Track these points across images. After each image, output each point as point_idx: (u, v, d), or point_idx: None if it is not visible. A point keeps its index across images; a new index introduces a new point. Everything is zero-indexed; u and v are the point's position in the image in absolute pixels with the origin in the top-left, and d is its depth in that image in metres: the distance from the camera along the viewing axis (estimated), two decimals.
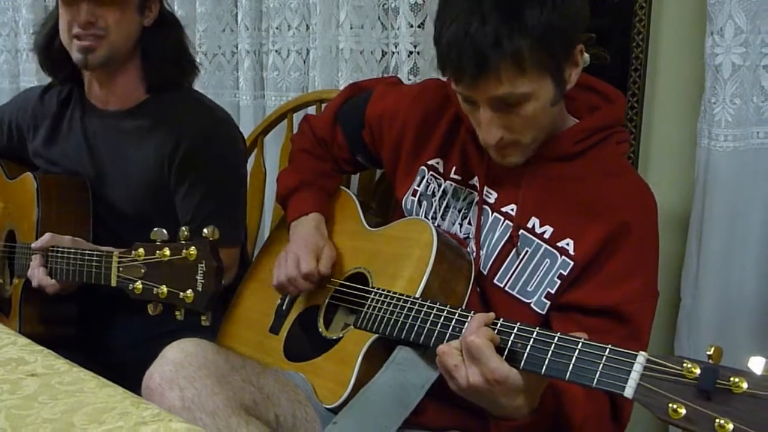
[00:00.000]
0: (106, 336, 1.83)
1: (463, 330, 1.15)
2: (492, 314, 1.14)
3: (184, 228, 1.28)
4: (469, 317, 1.18)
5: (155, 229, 1.31)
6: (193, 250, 1.25)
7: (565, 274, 1.29)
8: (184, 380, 1.22)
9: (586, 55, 1.79)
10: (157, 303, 1.30)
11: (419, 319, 1.25)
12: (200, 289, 1.24)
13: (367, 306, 1.35)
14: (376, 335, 1.32)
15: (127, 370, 1.32)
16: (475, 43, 1.16)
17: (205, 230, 1.25)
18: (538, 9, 1.16)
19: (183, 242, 1.27)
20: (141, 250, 1.32)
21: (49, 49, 1.80)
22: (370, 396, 1.25)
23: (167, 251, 1.28)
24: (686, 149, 1.75)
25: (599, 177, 1.34)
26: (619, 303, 1.26)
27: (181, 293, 1.26)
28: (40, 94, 1.92)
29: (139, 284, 1.31)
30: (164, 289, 1.28)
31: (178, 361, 1.24)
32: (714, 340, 1.31)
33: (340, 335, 1.41)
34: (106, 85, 1.78)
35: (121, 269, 1.35)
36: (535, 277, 1.32)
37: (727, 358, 0.91)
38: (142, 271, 1.31)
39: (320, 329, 1.47)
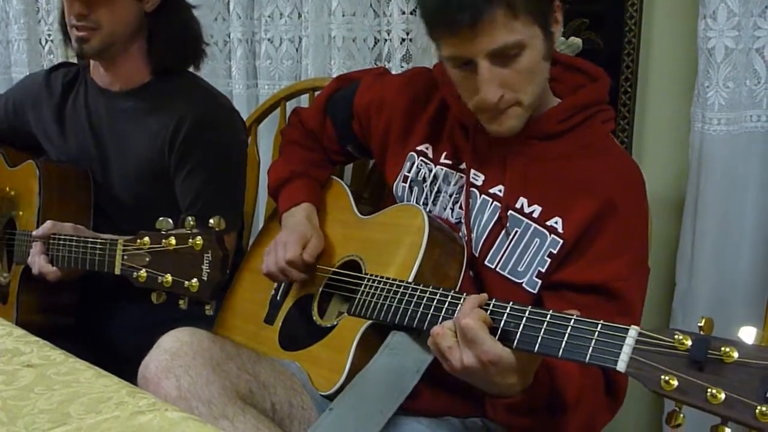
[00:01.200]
0: (102, 325, 1.84)
1: (456, 312, 1.16)
2: (484, 295, 1.14)
3: (189, 218, 1.28)
4: (462, 299, 1.18)
5: (160, 218, 1.31)
6: (199, 239, 1.25)
7: (555, 252, 1.30)
8: (179, 369, 1.22)
9: (579, 40, 1.80)
10: (161, 292, 1.31)
11: (412, 303, 1.25)
12: (206, 278, 1.25)
13: (360, 293, 1.35)
14: (370, 321, 1.32)
15: (124, 359, 1.33)
16: None
17: (211, 220, 1.26)
18: None
19: (189, 231, 1.27)
20: (146, 239, 1.33)
21: (64, 26, 1.81)
22: (365, 382, 1.25)
23: (173, 240, 1.29)
24: (680, 133, 1.75)
25: (585, 155, 1.34)
26: (608, 280, 1.27)
27: (187, 282, 1.26)
28: (45, 76, 1.93)
29: (143, 272, 1.32)
30: (169, 278, 1.29)
31: (173, 350, 1.25)
32: None
33: (334, 323, 1.41)
34: (109, 68, 1.79)
35: (125, 257, 1.36)
36: (526, 256, 1.32)
37: None
38: (147, 259, 1.31)
39: (314, 317, 1.47)
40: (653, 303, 1.66)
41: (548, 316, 1.05)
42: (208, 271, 1.25)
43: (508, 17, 1.19)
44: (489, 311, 1.11)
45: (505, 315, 1.10)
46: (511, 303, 1.11)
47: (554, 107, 1.36)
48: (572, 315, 1.03)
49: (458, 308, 1.17)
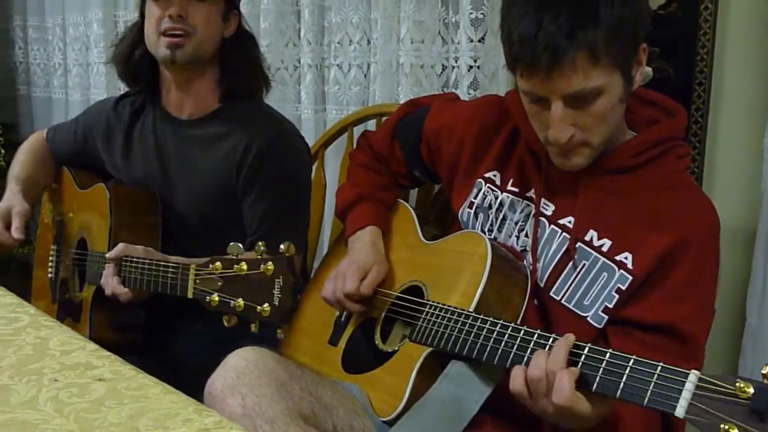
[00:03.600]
0: (169, 343, 1.87)
1: (541, 358, 1.14)
2: (572, 337, 1.12)
3: (260, 243, 1.30)
4: (521, 332, 1.18)
5: (231, 243, 1.34)
6: (270, 265, 1.27)
7: (623, 288, 1.28)
8: (245, 388, 1.24)
9: (649, 69, 1.78)
10: (233, 315, 1.33)
11: (472, 334, 1.25)
12: (277, 303, 1.27)
13: (421, 319, 1.36)
14: (431, 349, 1.32)
15: (188, 375, 1.35)
16: (549, 36, 1.16)
17: (282, 246, 1.28)
18: (609, 3, 1.17)
19: (260, 257, 1.29)
20: (218, 264, 1.35)
21: (129, 60, 1.87)
22: (424, 409, 1.25)
23: (245, 266, 1.31)
24: (752, 164, 1.72)
25: (658, 191, 1.32)
26: (677, 321, 1.25)
27: (258, 307, 1.28)
28: (114, 104, 1.99)
29: (215, 297, 1.34)
30: (241, 302, 1.31)
31: (239, 368, 1.27)
32: None
33: (396, 348, 1.42)
34: (183, 89, 1.83)
35: (198, 281, 1.38)
36: (593, 290, 1.31)
37: None
38: (219, 284, 1.33)
39: (377, 341, 1.48)
40: (722, 338, 1.63)
41: (607, 355, 1.05)
42: (279, 296, 1.27)
43: (589, 63, 1.18)
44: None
45: (583, 357, 1.09)
46: (590, 345, 1.10)
47: (628, 141, 1.35)
48: (631, 356, 1.03)
49: (519, 341, 1.16)
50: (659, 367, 0.99)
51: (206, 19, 1.75)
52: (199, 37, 1.74)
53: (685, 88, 1.77)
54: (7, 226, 1.87)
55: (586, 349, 1.09)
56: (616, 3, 1.18)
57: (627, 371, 1.01)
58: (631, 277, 1.28)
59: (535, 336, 1.17)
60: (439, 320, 1.32)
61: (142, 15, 1.82)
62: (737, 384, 0.89)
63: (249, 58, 1.85)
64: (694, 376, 0.94)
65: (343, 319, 1.58)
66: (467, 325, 1.26)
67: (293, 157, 1.81)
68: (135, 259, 1.63)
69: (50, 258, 2.09)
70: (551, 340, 1.12)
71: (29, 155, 2.10)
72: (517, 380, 1.14)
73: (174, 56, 1.74)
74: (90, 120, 2.03)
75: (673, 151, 1.36)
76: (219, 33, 1.80)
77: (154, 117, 1.90)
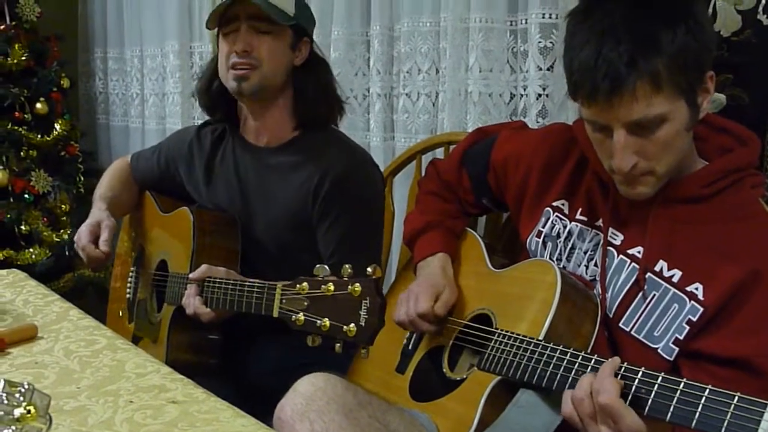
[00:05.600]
0: (241, 366, 1.90)
1: (587, 379, 1.14)
2: (617, 359, 1.13)
3: (347, 265, 1.32)
4: (591, 361, 1.16)
5: (318, 265, 1.36)
6: (357, 286, 1.29)
7: (695, 320, 1.26)
8: (314, 414, 1.26)
9: (723, 96, 1.75)
10: (317, 335, 1.35)
11: (542, 362, 1.24)
12: (363, 324, 1.28)
13: (490, 347, 1.36)
14: (499, 377, 1.32)
15: (258, 399, 1.37)
16: (610, 64, 1.16)
17: (369, 269, 1.30)
18: (672, 31, 1.17)
19: (347, 279, 1.31)
20: (305, 284, 1.37)
21: (208, 91, 1.94)
22: None
23: (331, 286, 1.33)
24: None
25: (730, 221, 1.30)
26: (752, 355, 1.22)
27: (345, 327, 1.30)
28: (197, 131, 2.05)
29: (301, 316, 1.36)
30: (327, 322, 1.32)
31: (308, 394, 1.29)
32: None
33: (464, 376, 1.42)
34: (259, 118, 1.88)
35: (284, 301, 1.41)
36: (663, 321, 1.29)
37: None
38: (305, 303, 1.35)
39: (445, 369, 1.48)
40: None
41: (681, 385, 1.03)
42: (366, 317, 1.28)
43: (651, 90, 1.17)
44: (620, 375, 1.10)
45: (636, 380, 1.08)
46: (642, 368, 1.09)
47: (699, 170, 1.33)
48: (707, 385, 1.01)
49: (590, 369, 1.15)
50: (736, 398, 0.97)
51: (271, 51, 1.79)
52: (265, 68, 1.79)
53: (759, 115, 1.73)
54: (95, 240, 1.94)
55: (640, 372, 1.09)
56: (679, 31, 1.17)
57: (703, 401, 1.00)
58: (702, 309, 1.26)
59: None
60: (507, 348, 1.31)
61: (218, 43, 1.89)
62: None
63: (321, 85, 1.88)
64: None
65: (410, 347, 1.59)
66: (536, 354, 1.26)
67: (366, 186, 1.84)
68: (218, 280, 1.67)
69: (129, 279, 2.15)
70: (623, 369, 1.10)
71: (115, 178, 2.18)
72: (565, 403, 1.14)
73: (240, 88, 1.80)
74: (173, 147, 2.09)
75: (747, 181, 1.33)
76: (287, 63, 1.84)
77: (234, 145, 1.95)
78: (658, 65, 1.16)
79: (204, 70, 2.01)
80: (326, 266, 1.34)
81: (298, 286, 1.37)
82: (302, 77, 1.86)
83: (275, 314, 1.43)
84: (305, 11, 1.90)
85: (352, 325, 1.29)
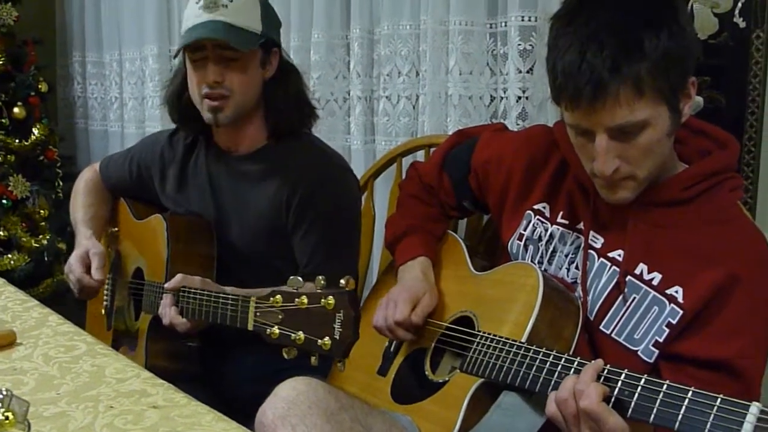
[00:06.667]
0: (221, 371, 1.90)
1: (570, 381, 1.14)
2: (600, 362, 1.13)
3: (320, 277, 1.32)
4: (575, 363, 1.17)
5: (291, 277, 1.35)
6: (331, 299, 1.28)
7: (674, 322, 1.27)
8: (295, 418, 1.25)
9: (700, 99, 1.77)
10: (292, 348, 1.34)
11: (525, 365, 1.25)
12: (338, 337, 1.27)
13: (472, 350, 1.36)
14: (482, 379, 1.32)
15: (240, 404, 1.37)
16: (593, 69, 1.17)
17: (342, 281, 1.29)
18: (655, 36, 1.17)
19: (320, 291, 1.30)
20: (279, 297, 1.36)
21: (177, 103, 1.90)
22: None
23: (305, 299, 1.32)
24: None
25: (710, 224, 1.31)
26: (732, 357, 1.23)
27: (319, 341, 1.29)
28: (168, 137, 2.02)
29: (276, 329, 1.35)
30: (302, 335, 1.32)
31: (290, 398, 1.28)
32: None
33: (446, 378, 1.42)
34: (232, 134, 1.86)
35: (258, 314, 1.40)
36: (643, 324, 1.30)
37: None
38: (280, 317, 1.35)
39: (427, 372, 1.48)
40: None
41: (664, 387, 1.04)
42: (340, 330, 1.27)
43: (634, 96, 1.18)
44: (602, 378, 1.10)
45: (620, 382, 1.09)
46: (626, 370, 1.10)
47: (679, 174, 1.34)
48: (690, 387, 1.02)
49: (573, 372, 1.16)
50: (719, 399, 0.98)
51: (241, 79, 1.76)
52: (238, 97, 1.76)
53: (737, 117, 1.75)
54: (87, 268, 1.93)
55: (623, 374, 1.10)
56: (662, 36, 1.17)
57: (686, 402, 1.01)
58: (681, 312, 1.27)
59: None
60: (490, 351, 1.32)
61: (184, 61, 1.84)
62: None
63: (292, 95, 1.86)
64: (755, 408, 0.94)
65: (392, 350, 1.59)
66: (519, 356, 1.26)
67: (340, 193, 1.83)
68: (193, 290, 1.66)
69: (106, 286, 2.13)
70: (605, 371, 1.11)
71: (88, 197, 2.15)
72: (550, 404, 1.15)
73: (216, 119, 1.78)
74: (145, 153, 2.07)
75: (726, 184, 1.34)
76: (258, 82, 1.81)
77: (207, 153, 1.93)
78: (642, 71, 1.17)
79: (172, 78, 1.96)
80: (299, 278, 1.34)
81: (272, 299, 1.36)
82: (273, 89, 1.84)
83: (250, 327, 1.42)
84: (271, 19, 1.84)
85: (327, 338, 1.28)
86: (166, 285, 1.70)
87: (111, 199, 2.17)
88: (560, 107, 1.28)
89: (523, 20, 1.96)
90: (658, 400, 1.04)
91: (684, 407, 1.01)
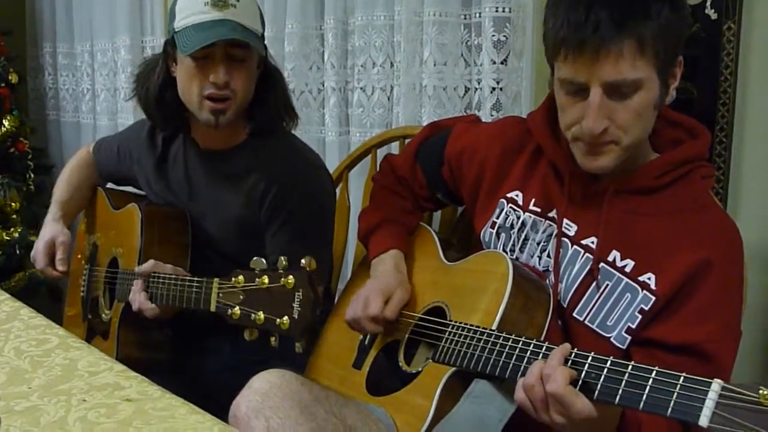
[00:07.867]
0: (196, 363, 1.89)
1: (541, 363, 1.15)
2: (567, 346, 1.14)
3: (282, 258, 1.32)
4: (543, 348, 1.18)
5: (255, 258, 1.36)
6: (291, 279, 1.29)
7: (647, 309, 1.28)
8: (269, 410, 1.25)
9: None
10: (253, 329, 1.34)
11: (495, 352, 1.25)
12: (296, 316, 1.28)
13: (444, 339, 1.37)
14: (454, 368, 1.33)
15: (214, 396, 1.37)
16: (599, 22, 1.19)
17: (302, 261, 1.29)
18: (660, 3, 1.21)
19: (281, 271, 1.31)
20: (240, 277, 1.37)
21: (160, 104, 1.84)
22: (448, 429, 1.25)
23: (266, 279, 1.33)
24: None
25: (681, 212, 1.32)
26: (702, 341, 1.24)
27: (278, 320, 1.30)
28: (150, 129, 1.99)
29: (237, 310, 1.36)
30: (261, 315, 1.32)
31: (263, 391, 1.28)
32: None
33: (420, 369, 1.42)
34: (213, 131, 1.81)
35: (220, 295, 1.40)
36: (616, 311, 1.31)
37: None
38: (241, 297, 1.35)
39: (400, 363, 1.48)
40: (748, 361, 1.61)
41: (629, 368, 1.05)
42: (299, 309, 1.28)
43: (636, 53, 1.20)
44: (570, 362, 1.11)
45: (586, 365, 1.10)
46: (592, 353, 1.11)
47: (652, 162, 1.35)
48: (653, 367, 1.03)
49: (541, 357, 1.17)
50: (682, 378, 0.99)
51: (245, 80, 1.73)
52: (239, 99, 1.74)
53: (708, 108, 1.76)
54: (51, 258, 1.91)
55: (589, 357, 1.10)
56: (666, 6, 1.21)
57: (650, 383, 1.02)
58: (654, 298, 1.28)
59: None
60: (461, 339, 1.32)
61: (165, 57, 1.80)
62: (761, 392, 0.89)
63: (275, 98, 1.84)
64: (717, 385, 0.95)
65: (366, 343, 1.59)
66: (489, 344, 1.27)
67: (314, 192, 1.82)
68: (162, 275, 1.66)
69: (83, 277, 2.12)
70: (573, 355, 1.12)
71: (73, 174, 2.16)
72: (518, 390, 1.15)
73: (217, 122, 1.74)
74: (130, 139, 2.06)
75: (697, 172, 1.36)
76: (254, 83, 1.79)
77: (185, 147, 1.92)
78: (645, 31, 1.19)
79: (146, 75, 1.87)
80: (263, 259, 1.34)
81: (234, 279, 1.37)
82: (258, 86, 1.81)
83: (212, 308, 1.43)
84: (263, 19, 1.83)
85: (286, 318, 1.29)
86: (136, 270, 1.70)
87: (93, 186, 2.17)
88: (556, 62, 1.27)
89: (497, 11, 1.96)
90: (624, 381, 1.05)
91: (648, 387, 1.02)
